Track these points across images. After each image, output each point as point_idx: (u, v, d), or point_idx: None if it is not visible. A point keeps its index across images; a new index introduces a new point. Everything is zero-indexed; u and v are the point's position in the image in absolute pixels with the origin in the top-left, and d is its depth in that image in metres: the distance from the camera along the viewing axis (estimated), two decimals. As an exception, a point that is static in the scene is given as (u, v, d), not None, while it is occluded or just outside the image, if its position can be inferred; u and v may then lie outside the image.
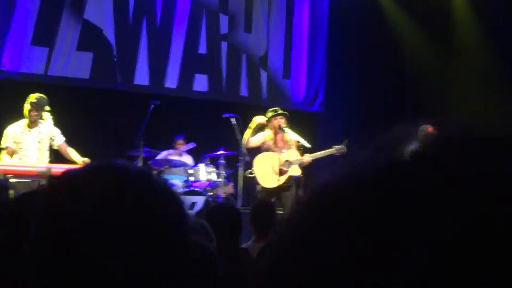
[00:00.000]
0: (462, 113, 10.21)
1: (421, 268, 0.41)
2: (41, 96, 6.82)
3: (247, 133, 7.43)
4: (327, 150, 7.35)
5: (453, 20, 11.04)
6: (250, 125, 7.47)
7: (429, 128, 7.01)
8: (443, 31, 10.88)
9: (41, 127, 6.87)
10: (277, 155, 7.29)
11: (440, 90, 10.51)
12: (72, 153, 6.94)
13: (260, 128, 7.45)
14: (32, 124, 6.83)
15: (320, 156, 7.34)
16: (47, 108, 6.81)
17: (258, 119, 7.38)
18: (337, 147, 7.36)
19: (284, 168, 7.25)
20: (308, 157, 7.25)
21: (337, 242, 0.44)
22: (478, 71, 10.44)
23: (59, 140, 6.94)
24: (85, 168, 0.93)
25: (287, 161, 7.25)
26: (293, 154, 7.28)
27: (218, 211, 3.52)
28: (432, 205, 0.43)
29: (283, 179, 7.23)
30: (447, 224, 0.42)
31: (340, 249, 0.44)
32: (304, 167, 7.33)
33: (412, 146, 0.48)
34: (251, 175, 7.51)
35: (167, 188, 0.92)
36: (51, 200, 0.88)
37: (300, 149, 7.36)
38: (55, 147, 6.96)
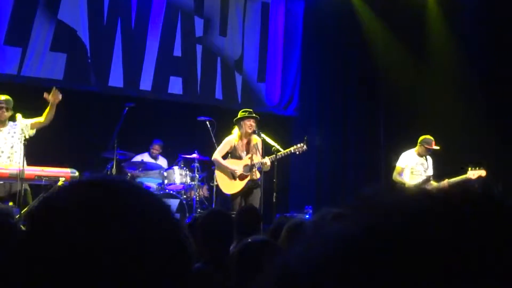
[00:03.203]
0: (431, 120, 10.40)
1: None
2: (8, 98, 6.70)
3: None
4: (287, 150, 7.40)
5: (427, 30, 11.24)
6: None
7: (433, 142, 7.06)
8: (417, 40, 11.06)
9: (13, 126, 6.63)
10: (237, 161, 7.39)
11: (411, 96, 10.67)
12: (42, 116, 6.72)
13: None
14: (1, 123, 6.64)
15: (281, 156, 7.38)
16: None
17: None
18: (296, 146, 7.43)
19: (245, 173, 7.36)
20: (267, 160, 7.31)
21: None
22: (449, 79, 10.65)
23: (29, 121, 6.65)
24: (76, 188, 0.88)
25: (246, 165, 7.36)
26: (254, 159, 7.38)
27: (212, 217, 3.51)
28: None
29: (244, 183, 7.35)
30: None
31: None
32: (272, 168, 7.40)
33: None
34: (215, 184, 7.65)
35: (160, 203, 0.90)
36: (39, 224, 0.83)
37: (274, 153, 7.41)
38: (31, 132, 6.66)
